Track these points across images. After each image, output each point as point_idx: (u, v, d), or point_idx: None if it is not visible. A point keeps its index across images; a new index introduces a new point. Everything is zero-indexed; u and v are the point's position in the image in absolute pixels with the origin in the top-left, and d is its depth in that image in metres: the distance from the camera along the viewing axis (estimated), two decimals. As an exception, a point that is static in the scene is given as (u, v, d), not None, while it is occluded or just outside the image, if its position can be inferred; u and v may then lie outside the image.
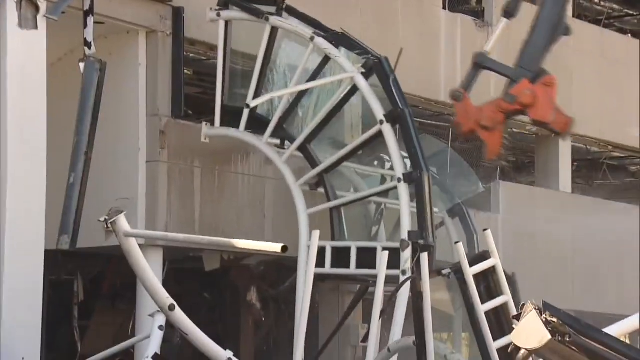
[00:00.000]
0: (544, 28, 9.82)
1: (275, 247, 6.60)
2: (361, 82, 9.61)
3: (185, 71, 10.62)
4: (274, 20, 9.92)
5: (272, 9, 9.97)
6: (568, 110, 13.91)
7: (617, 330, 8.63)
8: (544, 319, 6.70)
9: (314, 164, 9.91)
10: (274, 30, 9.98)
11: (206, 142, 10.15)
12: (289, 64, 10.31)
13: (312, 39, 9.78)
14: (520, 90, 9.68)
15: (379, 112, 9.58)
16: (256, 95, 10.02)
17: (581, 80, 14.10)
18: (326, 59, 9.84)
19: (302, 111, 10.31)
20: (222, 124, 10.13)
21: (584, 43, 14.32)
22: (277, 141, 10.17)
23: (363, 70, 9.63)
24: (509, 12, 10.18)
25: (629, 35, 16.03)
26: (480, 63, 10.06)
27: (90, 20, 8.69)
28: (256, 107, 9.95)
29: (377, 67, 9.61)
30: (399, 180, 9.39)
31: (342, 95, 9.80)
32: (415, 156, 9.35)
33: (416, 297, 8.35)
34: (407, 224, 9.32)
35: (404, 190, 9.35)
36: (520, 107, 9.62)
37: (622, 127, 14.45)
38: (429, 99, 12.79)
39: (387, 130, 9.52)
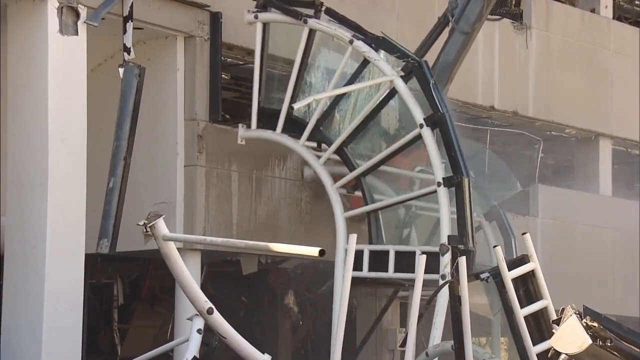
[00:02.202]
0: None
1: (313, 251, 6.59)
2: (400, 86, 9.59)
3: (223, 75, 10.66)
4: (312, 22, 9.93)
5: (311, 12, 9.98)
6: (608, 113, 13.82)
7: (659, 335, 8.51)
8: (584, 324, 6.64)
9: (351, 167, 9.90)
10: (312, 32, 9.99)
11: (243, 146, 10.19)
12: (326, 67, 10.32)
13: (351, 42, 9.78)
14: None
15: (419, 116, 9.56)
16: (293, 97, 10.04)
17: (621, 83, 13.95)
18: (365, 62, 9.84)
19: (340, 114, 10.32)
20: (259, 126, 10.16)
21: (624, 45, 14.17)
22: (314, 144, 10.18)
23: (402, 74, 9.61)
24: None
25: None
26: None
27: (129, 25, 8.78)
28: (292, 109, 9.97)
29: (416, 71, 9.58)
30: (438, 184, 9.35)
31: (380, 99, 9.79)
32: (456, 160, 9.31)
33: (455, 301, 8.30)
34: (446, 228, 9.28)
35: (443, 194, 9.32)
36: None
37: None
38: (467, 102, 12.73)
39: (427, 134, 9.49)
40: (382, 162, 9.90)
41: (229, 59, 10.90)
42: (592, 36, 13.61)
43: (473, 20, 10.30)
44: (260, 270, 11.09)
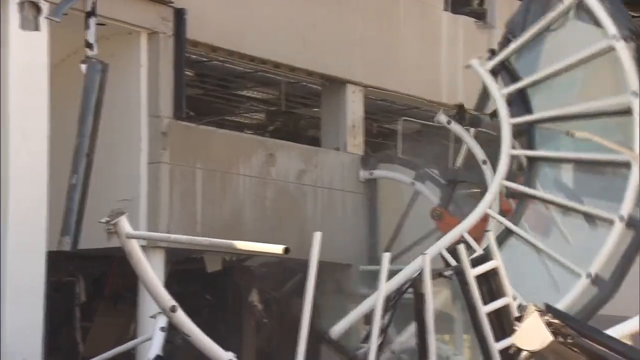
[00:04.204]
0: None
1: (277, 249, 6.60)
2: (623, 50, 9.16)
3: (187, 72, 10.61)
4: None
5: None
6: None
7: (619, 331, 8.63)
8: (546, 321, 6.71)
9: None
10: None
11: (208, 143, 10.17)
12: None
13: None
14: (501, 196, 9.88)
15: (635, 84, 9.17)
16: None
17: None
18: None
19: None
20: None
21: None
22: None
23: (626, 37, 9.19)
24: (475, 122, 10.55)
25: None
26: (454, 179, 10.30)
27: (92, 21, 8.70)
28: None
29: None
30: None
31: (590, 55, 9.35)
32: None
33: (418, 298, 8.34)
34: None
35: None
36: (500, 212, 9.79)
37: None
38: (431, 100, 12.79)
39: (636, 106, 9.02)
40: (572, 117, 9.51)
41: (193, 56, 10.85)
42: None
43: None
44: (225, 268, 11.06)
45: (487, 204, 9.72)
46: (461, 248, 8.46)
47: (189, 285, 11.46)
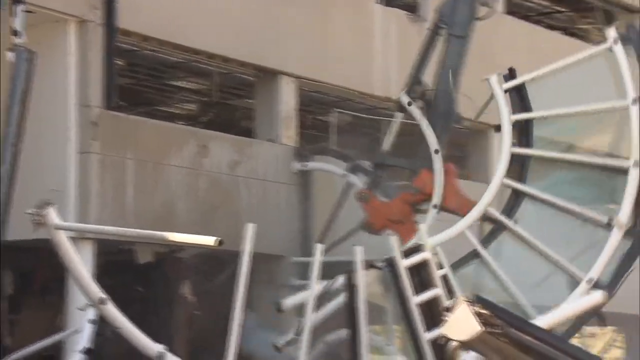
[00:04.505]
0: (436, 120, 10.16)
1: (209, 241, 6.57)
2: (620, 52, 9.22)
3: (118, 62, 10.46)
4: None
5: None
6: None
7: (547, 322, 8.83)
8: (474, 311, 6.80)
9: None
10: None
11: (140, 133, 10.05)
12: None
13: None
14: (421, 181, 9.99)
15: (631, 91, 9.24)
16: None
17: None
18: None
19: None
20: None
21: (515, 39, 14.52)
22: None
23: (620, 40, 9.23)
24: (403, 108, 10.49)
25: (559, 32, 16.31)
26: (380, 162, 10.39)
27: (19, 9, 8.50)
28: None
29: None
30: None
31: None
32: None
33: (350, 289, 8.39)
34: None
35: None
36: (425, 197, 9.89)
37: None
38: (364, 92, 12.85)
39: (635, 112, 9.15)
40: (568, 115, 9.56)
41: (124, 45, 10.70)
42: (485, 27, 13.88)
43: (466, 22, 10.35)
44: (157, 259, 10.96)
45: (488, 202, 9.77)
46: (393, 239, 8.53)
47: (120, 277, 11.32)
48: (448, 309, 7.22)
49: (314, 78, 12.30)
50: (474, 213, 9.71)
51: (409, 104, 10.70)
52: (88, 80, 9.70)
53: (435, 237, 9.31)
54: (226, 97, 13.39)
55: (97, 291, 6.88)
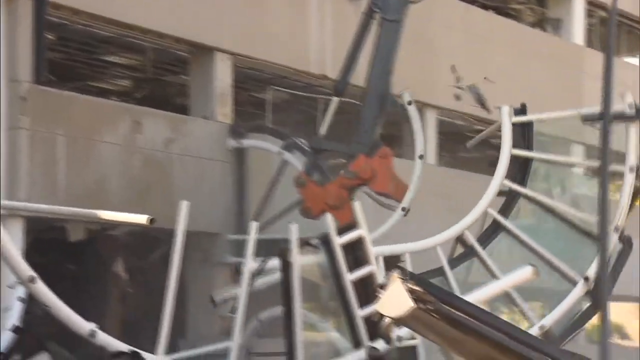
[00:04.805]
0: (373, 104, 10.23)
1: (141, 219, 6.50)
2: (629, 180, 9.73)
3: (48, 36, 10.24)
4: None
5: None
6: (433, 84, 14.27)
7: (478, 297, 8.96)
8: (407, 288, 6.86)
9: None
10: None
11: (71, 109, 9.86)
12: None
13: None
14: (358, 165, 10.06)
15: (631, 159, 9.80)
16: None
17: (446, 55, 14.41)
18: None
19: None
20: None
21: (450, 18, 14.63)
22: None
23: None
24: (338, 91, 10.47)
25: (492, 11, 16.48)
26: (317, 147, 10.42)
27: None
28: None
29: None
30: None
31: None
32: None
33: (285, 267, 8.40)
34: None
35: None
36: (361, 181, 9.95)
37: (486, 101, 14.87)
38: (299, 70, 12.82)
39: (629, 180, 9.62)
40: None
41: (55, 19, 10.47)
42: (420, 9, 13.96)
43: (399, 6, 10.35)
44: (89, 237, 10.81)
45: (488, 201, 9.92)
46: (328, 217, 8.55)
47: (51, 254, 11.15)
48: (381, 286, 7.28)
49: (249, 55, 12.22)
50: (478, 209, 9.95)
51: (409, 103, 10.80)
52: (17, 54, 9.48)
53: (438, 237, 9.61)
54: (160, 74, 13.23)
55: (27, 269, 6.76)
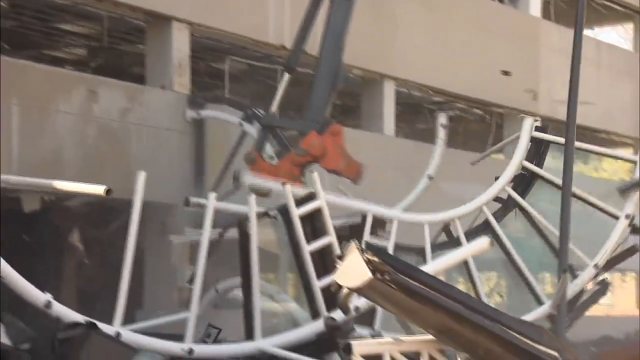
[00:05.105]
0: (324, 81, 10.19)
1: (98, 190, 6.43)
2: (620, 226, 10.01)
3: (1, 4, 10.03)
4: None
5: None
6: (392, 56, 14.28)
7: (434, 268, 9.03)
8: (365, 259, 6.91)
9: None
10: None
11: (25, 77, 9.70)
12: None
13: None
14: (309, 142, 10.03)
15: (629, 208, 10.05)
16: None
17: (406, 27, 14.41)
18: None
19: None
20: None
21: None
22: None
23: None
24: (289, 66, 10.46)
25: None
26: (268, 124, 10.36)
27: None
28: None
29: None
30: None
31: None
32: None
33: (243, 238, 8.39)
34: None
35: None
36: (312, 158, 9.93)
37: (443, 73, 14.93)
38: (258, 40, 12.73)
39: (620, 226, 9.94)
40: None
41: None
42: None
43: None
44: (44, 207, 10.69)
45: (505, 182, 10.06)
46: (287, 188, 8.54)
47: (5, 225, 11.01)
48: (340, 257, 7.31)
49: (207, 24, 12.11)
50: (493, 190, 10.06)
51: (444, 126, 11.14)
52: (-31, 21, 9.30)
53: (456, 210, 9.73)
54: (116, 42, 13.06)
55: (-20, 240, 6.66)
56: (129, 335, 7.68)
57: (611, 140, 18.69)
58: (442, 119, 11.43)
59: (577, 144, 10.56)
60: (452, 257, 9.00)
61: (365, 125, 14.34)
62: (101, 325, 7.42)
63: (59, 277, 11.14)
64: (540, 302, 9.67)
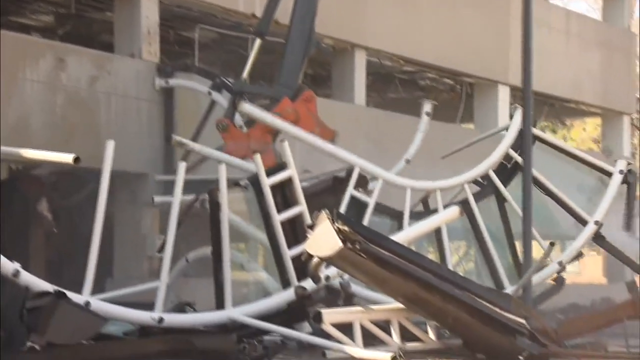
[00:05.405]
0: (296, 46, 10.10)
1: (67, 158, 6.38)
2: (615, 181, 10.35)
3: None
4: None
5: None
6: (363, 25, 14.23)
7: (404, 237, 9.10)
8: (336, 228, 6.94)
9: None
10: None
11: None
12: None
13: None
14: (282, 109, 9.94)
15: (598, 214, 10.29)
16: None
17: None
18: None
19: None
20: None
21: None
22: None
23: None
24: (260, 32, 10.38)
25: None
26: (239, 90, 10.27)
27: None
28: None
29: None
30: None
31: None
32: None
33: (214, 207, 8.37)
34: None
35: None
36: None
37: (414, 43, 14.91)
38: (228, 8, 12.63)
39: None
40: None
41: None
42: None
43: None
44: (12, 176, 10.59)
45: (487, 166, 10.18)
46: (257, 158, 8.52)
47: (-28, 195, 10.88)
48: (310, 226, 7.33)
49: (176, -9, 11.99)
50: (477, 170, 10.12)
51: (428, 114, 11.14)
52: None
53: (440, 182, 9.81)
54: (84, 10, 12.89)
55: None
56: (98, 304, 7.65)
57: (580, 109, 18.82)
58: (427, 107, 11.40)
59: (562, 145, 10.85)
60: (424, 225, 9.07)
61: (337, 95, 14.31)
62: (70, 295, 7.39)
63: (27, 246, 11.06)
64: (501, 288, 9.77)
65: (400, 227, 9.64)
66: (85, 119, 10.63)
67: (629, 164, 10.64)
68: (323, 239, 6.96)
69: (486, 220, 10.16)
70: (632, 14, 20.02)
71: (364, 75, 14.41)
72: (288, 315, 8.21)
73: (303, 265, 7.79)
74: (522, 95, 9.23)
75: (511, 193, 10.15)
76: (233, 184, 8.70)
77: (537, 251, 9.41)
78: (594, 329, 8.94)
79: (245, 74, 10.58)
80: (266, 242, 8.77)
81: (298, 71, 10.23)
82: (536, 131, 10.21)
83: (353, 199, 9.44)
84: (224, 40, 13.50)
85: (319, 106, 10.50)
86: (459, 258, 11.49)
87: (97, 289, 8.02)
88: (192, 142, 10.16)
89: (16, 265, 7.20)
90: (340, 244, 6.90)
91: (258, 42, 10.64)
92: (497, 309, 7.67)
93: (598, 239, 10.31)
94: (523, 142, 9.28)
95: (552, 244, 8.63)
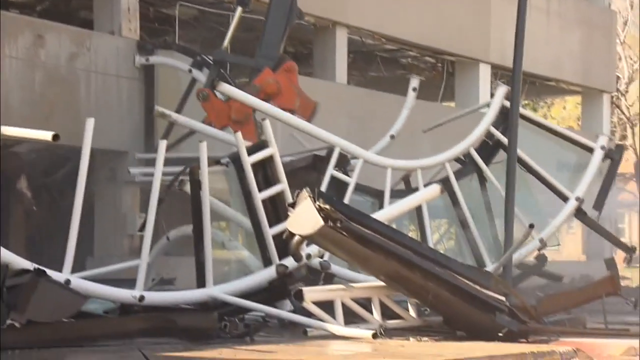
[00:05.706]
0: (277, 16, 10.01)
1: (46, 135, 6.33)
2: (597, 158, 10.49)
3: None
4: None
5: None
6: (344, 3, 14.17)
7: (385, 215, 9.11)
8: (317, 207, 6.95)
9: None
10: None
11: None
12: None
13: None
14: (263, 79, 9.85)
15: (579, 191, 10.31)
16: None
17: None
18: None
19: None
20: None
21: None
22: None
23: None
24: (244, 2, 10.31)
25: None
26: (219, 59, 10.16)
27: None
28: None
29: None
30: None
31: None
32: None
33: (195, 185, 8.35)
34: None
35: None
36: (266, 96, 9.77)
37: (396, 21, 14.88)
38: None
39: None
40: None
41: None
42: None
43: None
44: (-10, 154, 10.49)
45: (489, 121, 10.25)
46: (238, 135, 8.49)
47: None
48: (292, 205, 7.34)
49: (156, -32, 11.90)
50: (458, 149, 10.16)
51: (414, 89, 11.13)
52: None
53: (420, 161, 9.85)
54: (63, -14, 12.77)
55: None
56: (78, 282, 7.63)
57: (560, 88, 18.88)
58: (414, 82, 11.37)
59: (543, 121, 10.92)
60: (405, 203, 9.09)
61: (318, 73, 14.27)
62: (50, 273, 7.36)
63: (6, 224, 11.01)
64: (483, 266, 9.82)
65: (381, 205, 9.65)
66: (64, 96, 10.56)
67: (610, 140, 10.72)
68: (304, 217, 6.97)
69: (467, 198, 10.20)
70: (613, -7, 20.09)
71: (346, 53, 14.38)
72: (269, 293, 8.22)
73: (284, 243, 7.79)
74: (511, 74, 9.24)
75: (493, 172, 10.20)
76: (214, 162, 8.67)
77: (517, 230, 9.48)
78: (573, 306, 9.01)
79: (226, 43, 10.49)
80: (245, 224, 8.76)
81: (279, 42, 10.15)
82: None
83: (334, 178, 9.43)
84: (204, 18, 13.42)
85: (301, 84, 10.47)
86: (439, 236, 11.54)
87: (78, 267, 8.00)
88: (174, 113, 10.10)
89: (-5, 244, 7.14)
90: (321, 222, 6.92)
91: (239, 10, 10.55)
92: (477, 287, 7.72)
93: (579, 214, 10.36)
94: (509, 120, 9.28)
95: (531, 226, 8.67)
